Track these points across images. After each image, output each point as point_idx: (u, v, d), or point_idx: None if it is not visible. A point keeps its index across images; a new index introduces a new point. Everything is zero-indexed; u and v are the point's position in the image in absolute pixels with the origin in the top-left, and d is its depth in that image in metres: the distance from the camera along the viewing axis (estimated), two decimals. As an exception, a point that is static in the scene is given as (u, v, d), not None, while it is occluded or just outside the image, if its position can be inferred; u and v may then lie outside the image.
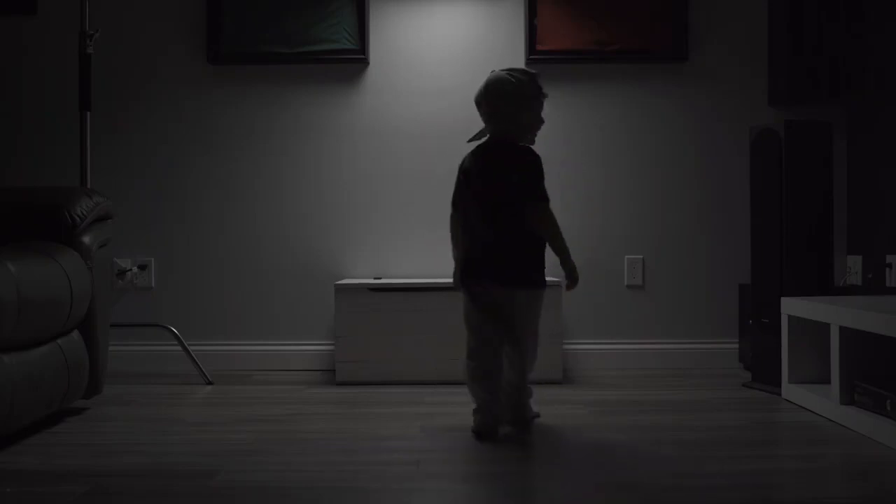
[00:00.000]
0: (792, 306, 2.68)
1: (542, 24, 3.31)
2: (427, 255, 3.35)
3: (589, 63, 3.36)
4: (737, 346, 3.35)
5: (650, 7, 3.31)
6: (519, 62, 3.34)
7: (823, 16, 3.14)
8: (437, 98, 3.37)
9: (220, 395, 2.86)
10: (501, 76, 2.34)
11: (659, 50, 3.32)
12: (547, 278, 2.37)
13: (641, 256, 3.38)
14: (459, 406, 2.57)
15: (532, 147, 2.38)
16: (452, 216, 2.40)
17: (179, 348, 3.19)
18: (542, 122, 2.39)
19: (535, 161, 2.34)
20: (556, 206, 3.30)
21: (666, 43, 3.32)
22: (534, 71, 2.37)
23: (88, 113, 3.05)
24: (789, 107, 3.33)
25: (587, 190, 3.38)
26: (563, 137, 3.37)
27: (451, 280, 2.44)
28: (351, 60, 3.33)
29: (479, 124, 2.46)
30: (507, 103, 2.33)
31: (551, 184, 3.32)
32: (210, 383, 3.07)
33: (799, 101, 3.25)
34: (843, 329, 2.39)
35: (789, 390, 2.71)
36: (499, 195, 2.32)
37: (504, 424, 2.35)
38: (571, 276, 2.32)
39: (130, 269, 3.37)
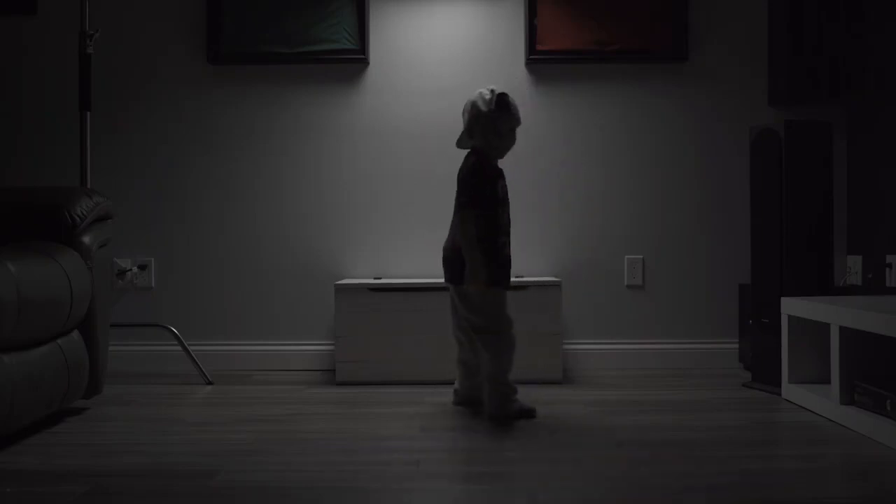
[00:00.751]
0: (792, 306, 2.68)
1: (542, 24, 3.30)
2: (427, 255, 3.35)
3: (589, 63, 3.36)
4: (737, 346, 3.35)
5: (650, 7, 3.31)
6: (519, 62, 3.35)
7: (823, 16, 3.14)
8: (437, 98, 3.37)
9: (220, 395, 2.86)
10: (473, 96, 2.51)
11: (659, 50, 3.32)
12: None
13: (641, 256, 3.38)
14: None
15: (477, 160, 2.50)
16: None
17: (179, 348, 3.20)
18: (506, 139, 2.52)
19: (464, 170, 2.50)
20: (555, 205, 3.35)
21: (666, 43, 3.32)
22: (500, 91, 2.49)
23: (88, 113, 3.05)
24: (789, 107, 3.33)
25: (587, 190, 3.38)
26: (563, 137, 3.37)
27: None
28: (351, 60, 3.33)
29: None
30: (474, 122, 2.50)
31: (551, 184, 3.37)
32: (210, 383, 3.07)
33: (799, 101, 3.25)
34: (843, 329, 2.39)
35: (789, 390, 2.71)
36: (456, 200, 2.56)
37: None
38: (471, 279, 2.44)
39: (130, 269, 3.37)
